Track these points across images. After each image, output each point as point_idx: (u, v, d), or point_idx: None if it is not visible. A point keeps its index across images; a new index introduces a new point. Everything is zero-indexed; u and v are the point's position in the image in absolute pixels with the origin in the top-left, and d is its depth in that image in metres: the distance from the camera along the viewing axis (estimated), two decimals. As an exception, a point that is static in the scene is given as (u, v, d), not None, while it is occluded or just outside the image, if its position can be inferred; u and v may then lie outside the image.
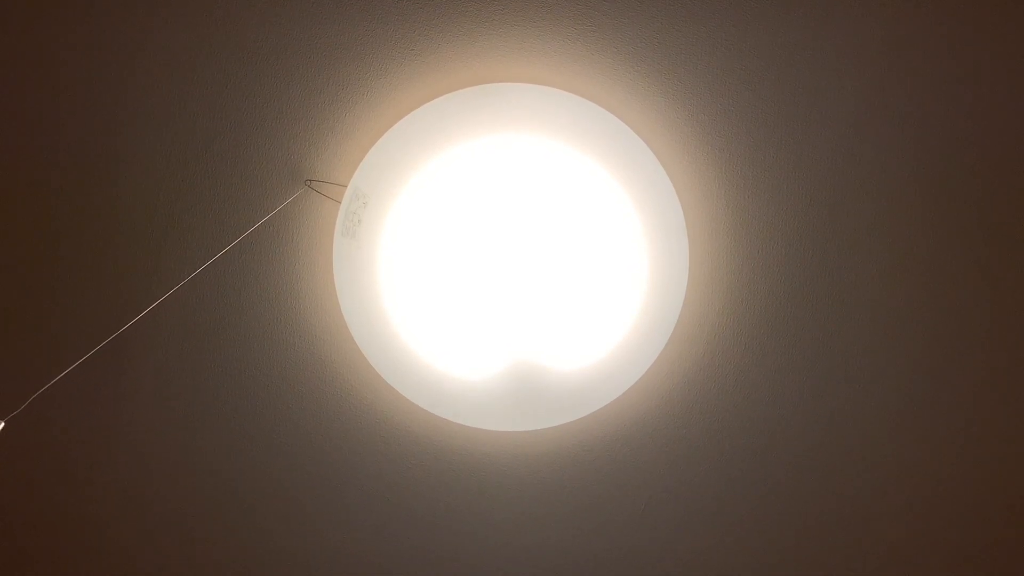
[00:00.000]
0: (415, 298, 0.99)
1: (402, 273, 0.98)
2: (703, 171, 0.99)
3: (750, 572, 1.16)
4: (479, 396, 1.02)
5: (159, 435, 1.10)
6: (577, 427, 1.08)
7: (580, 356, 1.01)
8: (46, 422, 1.08)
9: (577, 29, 0.94)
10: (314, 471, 1.12)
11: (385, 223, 0.97)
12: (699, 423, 1.08)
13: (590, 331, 1.00)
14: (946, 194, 0.98)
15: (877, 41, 0.93)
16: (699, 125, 0.97)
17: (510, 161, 0.96)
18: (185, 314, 1.03)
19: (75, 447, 1.10)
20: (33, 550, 1.17)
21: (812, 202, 0.99)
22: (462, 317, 0.99)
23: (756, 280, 1.02)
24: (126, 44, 0.94)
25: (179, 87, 0.96)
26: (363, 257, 0.98)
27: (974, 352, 1.04)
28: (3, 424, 0.66)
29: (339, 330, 1.04)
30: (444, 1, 0.93)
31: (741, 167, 0.99)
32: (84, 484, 1.13)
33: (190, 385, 1.07)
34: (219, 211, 1.00)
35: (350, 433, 1.09)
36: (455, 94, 0.97)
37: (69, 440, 1.10)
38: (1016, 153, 0.96)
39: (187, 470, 1.12)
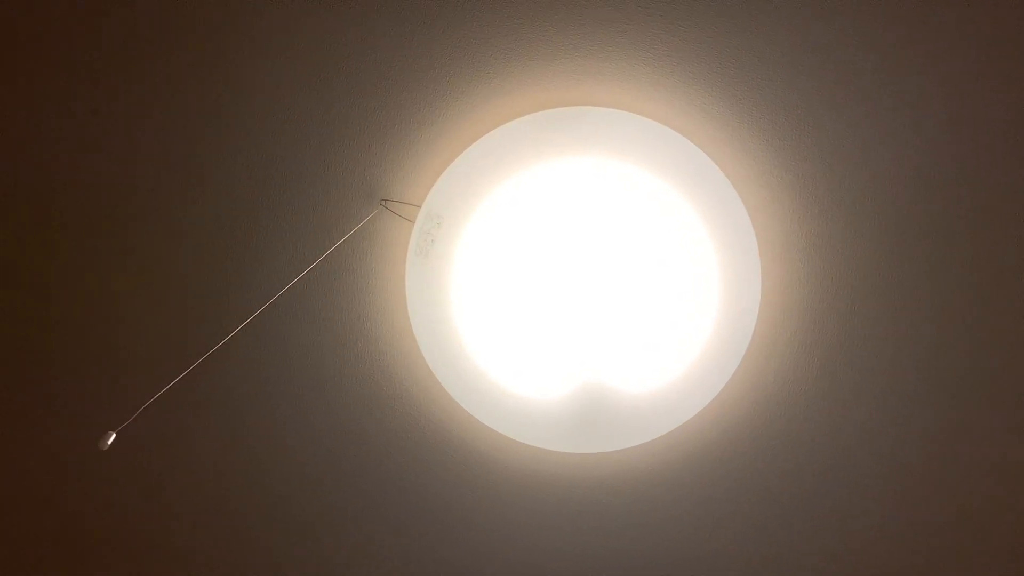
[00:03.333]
0: (486, 318, 0.99)
1: (474, 293, 0.99)
2: (776, 194, 0.98)
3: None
4: (548, 417, 1.02)
5: (233, 457, 1.12)
6: (644, 451, 1.07)
7: (650, 379, 1.00)
8: (135, 436, 1.11)
9: (651, 53, 0.94)
10: (380, 488, 1.13)
11: (458, 243, 0.98)
12: (769, 447, 1.07)
13: (660, 354, 1.00)
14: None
15: (959, 63, 0.92)
16: (773, 148, 0.97)
17: (583, 183, 0.97)
18: (260, 333, 1.05)
19: (158, 460, 1.13)
20: (109, 557, 1.20)
21: (887, 226, 0.98)
22: (533, 338, 0.99)
23: (829, 305, 1.01)
24: (206, 66, 0.96)
25: (258, 108, 0.98)
26: (435, 277, 0.99)
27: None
28: (114, 436, 0.68)
29: (410, 349, 1.05)
30: (522, 27, 0.94)
31: (815, 190, 0.98)
32: (162, 491, 1.15)
33: (263, 402, 1.09)
34: (296, 231, 1.02)
35: (418, 451, 1.10)
36: (530, 116, 0.97)
37: (154, 453, 1.12)
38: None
39: (257, 483, 1.14)
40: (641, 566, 1.14)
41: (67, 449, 1.12)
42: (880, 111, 0.94)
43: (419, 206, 1.00)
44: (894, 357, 1.02)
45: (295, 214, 1.01)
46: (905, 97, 0.93)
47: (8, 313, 1.05)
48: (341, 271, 1.03)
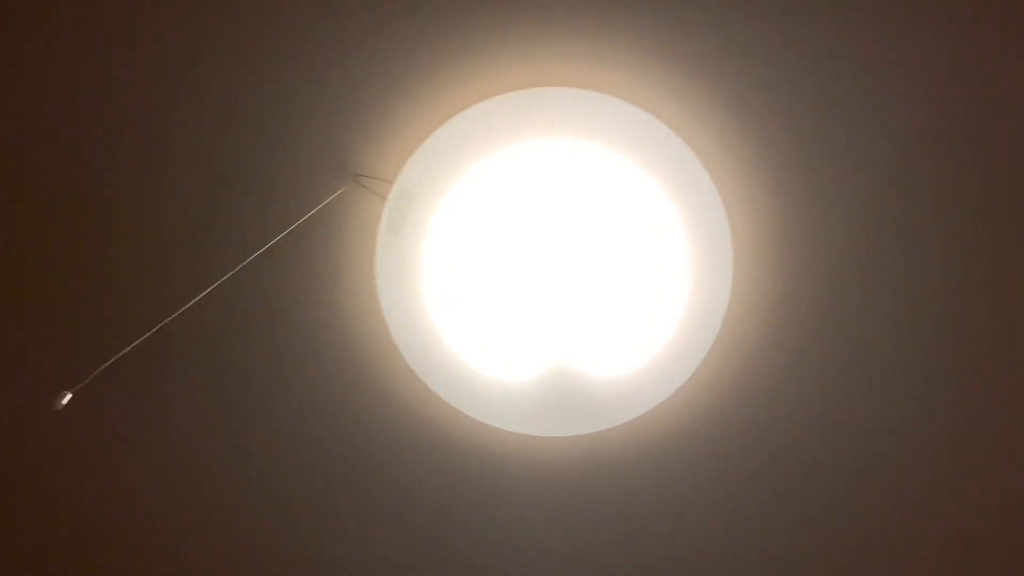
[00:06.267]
0: (457, 298, 0.99)
1: (445, 273, 0.98)
2: (752, 183, 0.98)
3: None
4: (517, 400, 1.01)
5: (195, 429, 1.10)
6: (613, 435, 1.07)
7: (620, 364, 1.00)
8: (86, 413, 1.09)
9: (631, 35, 0.94)
10: (347, 469, 1.11)
11: (430, 222, 0.97)
12: (736, 436, 1.07)
13: (631, 339, 0.99)
14: (1005, 206, 0.97)
15: (941, 58, 0.92)
16: (752, 137, 0.97)
17: (557, 165, 0.96)
18: (227, 307, 1.04)
19: (110, 441, 1.11)
20: (65, 538, 1.18)
21: (861, 220, 0.98)
22: (503, 320, 0.98)
23: (800, 295, 1.01)
24: (174, 38, 0.95)
25: (228, 79, 0.96)
26: (406, 255, 0.98)
27: None
28: (69, 396, 0.67)
29: (378, 328, 1.04)
30: (498, 3, 0.93)
31: (791, 181, 0.98)
32: (116, 478, 1.14)
33: (228, 378, 1.07)
34: (266, 204, 1.00)
35: (386, 432, 1.09)
36: (505, 96, 0.97)
37: (104, 434, 1.11)
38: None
39: (222, 467, 1.12)
40: (608, 550, 1.14)
41: (22, 408, 1.10)
42: (864, 105, 0.94)
43: (392, 182, 0.99)
44: (865, 346, 1.02)
45: (265, 188, 1.00)
46: (882, 91, 0.94)
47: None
48: (311, 247, 1.02)
